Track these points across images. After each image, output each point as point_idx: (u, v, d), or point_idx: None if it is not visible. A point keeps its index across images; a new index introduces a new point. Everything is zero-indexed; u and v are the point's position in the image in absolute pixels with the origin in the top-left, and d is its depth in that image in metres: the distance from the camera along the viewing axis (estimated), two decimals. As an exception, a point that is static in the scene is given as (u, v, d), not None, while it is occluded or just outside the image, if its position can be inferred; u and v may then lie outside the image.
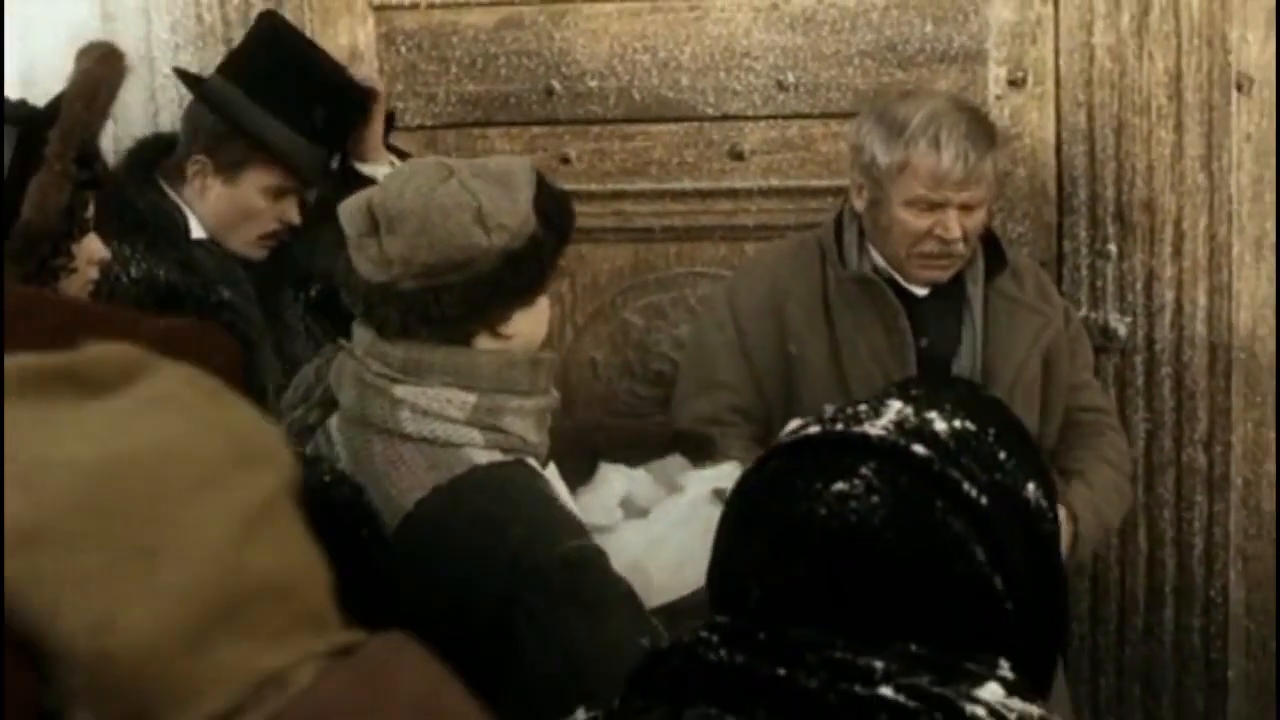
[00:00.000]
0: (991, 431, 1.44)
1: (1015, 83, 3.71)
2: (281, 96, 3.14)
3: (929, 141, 3.16)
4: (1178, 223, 3.70)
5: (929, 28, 3.70)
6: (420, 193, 2.31)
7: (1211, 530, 3.68)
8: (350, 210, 2.37)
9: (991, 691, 1.34)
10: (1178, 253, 3.70)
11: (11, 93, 3.22)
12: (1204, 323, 3.66)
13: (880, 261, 3.21)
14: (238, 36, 3.60)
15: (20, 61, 3.46)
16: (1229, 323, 3.66)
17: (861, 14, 3.70)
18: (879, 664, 1.32)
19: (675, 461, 2.86)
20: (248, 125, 3.06)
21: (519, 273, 2.36)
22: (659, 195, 3.68)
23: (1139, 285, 3.71)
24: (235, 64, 3.22)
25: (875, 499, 1.40)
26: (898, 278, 3.21)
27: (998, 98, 3.70)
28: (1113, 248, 3.72)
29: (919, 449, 1.40)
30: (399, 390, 2.29)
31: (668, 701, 1.35)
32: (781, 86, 3.76)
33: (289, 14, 3.65)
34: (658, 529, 2.62)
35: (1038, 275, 3.49)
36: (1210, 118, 3.68)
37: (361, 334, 2.37)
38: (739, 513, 1.49)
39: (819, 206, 3.49)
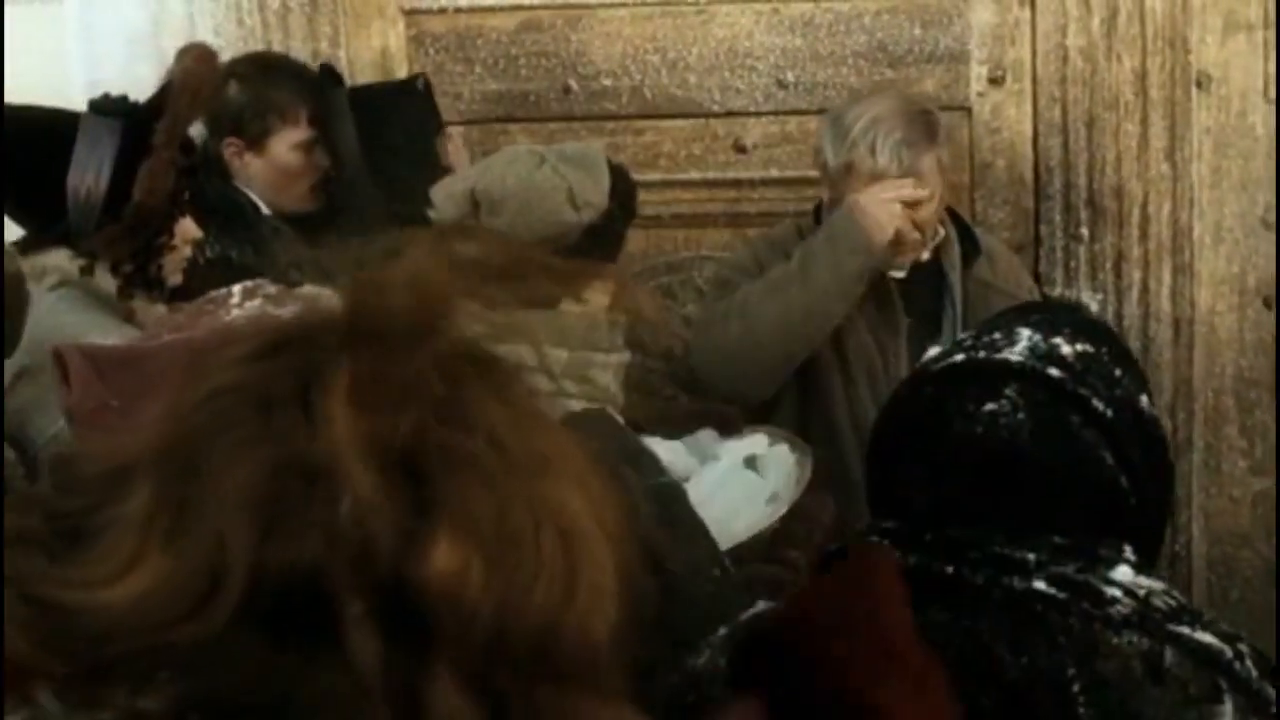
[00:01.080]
0: (1105, 352, 1.65)
1: (995, 81, 3.92)
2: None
3: (867, 146, 3.35)
4: (1144, 208, 3.90)
5: (917, 30, 3.91)
6: (520, 178, 2.62)
7: (1176, 490, 3.93)
8: (449, 195, 2.67)
9: (1123, 573, 1.55)
10: (1144, 236, 3.90)
11: (79, 93, 3.49)
12: (1168, 299, 3.87)
13: None
14: (276, 39, 3.83)
15: (86, 65, 3.68)
16: (1191, 299, 3.88)
17: (855, 18, 3.91)
18: (1031, 556, 1.52)
19: (706, 434, 3.02)
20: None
21: (599, 244, 2.68)
22: (668, 185, 3.87)
23: (1109, 265, 3.91)
24: None
25: (1020, 416, 1.62)
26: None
27: (979, 95, 3.91)
28: (1085, 231, 3.92)
29: (1053, 371, 1.61)
30: (502, 350, 2.58)
31: None
32: (781, 85, 3.96)
33: (323, 18, 3.87)
34: (702, 490, 2.84)
35: (1010, 259, 3.68)
36: (1173, 112, 3.89)
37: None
38: (899, 433, 1.70)
39: (816, 195, 3.67)
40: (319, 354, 0.93)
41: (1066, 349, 1.64)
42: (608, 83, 3.98)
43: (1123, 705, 1.47)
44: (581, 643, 0.90)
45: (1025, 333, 1.66)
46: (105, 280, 2.75)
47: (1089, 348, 1.65)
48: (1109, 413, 1.63)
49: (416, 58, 3.96)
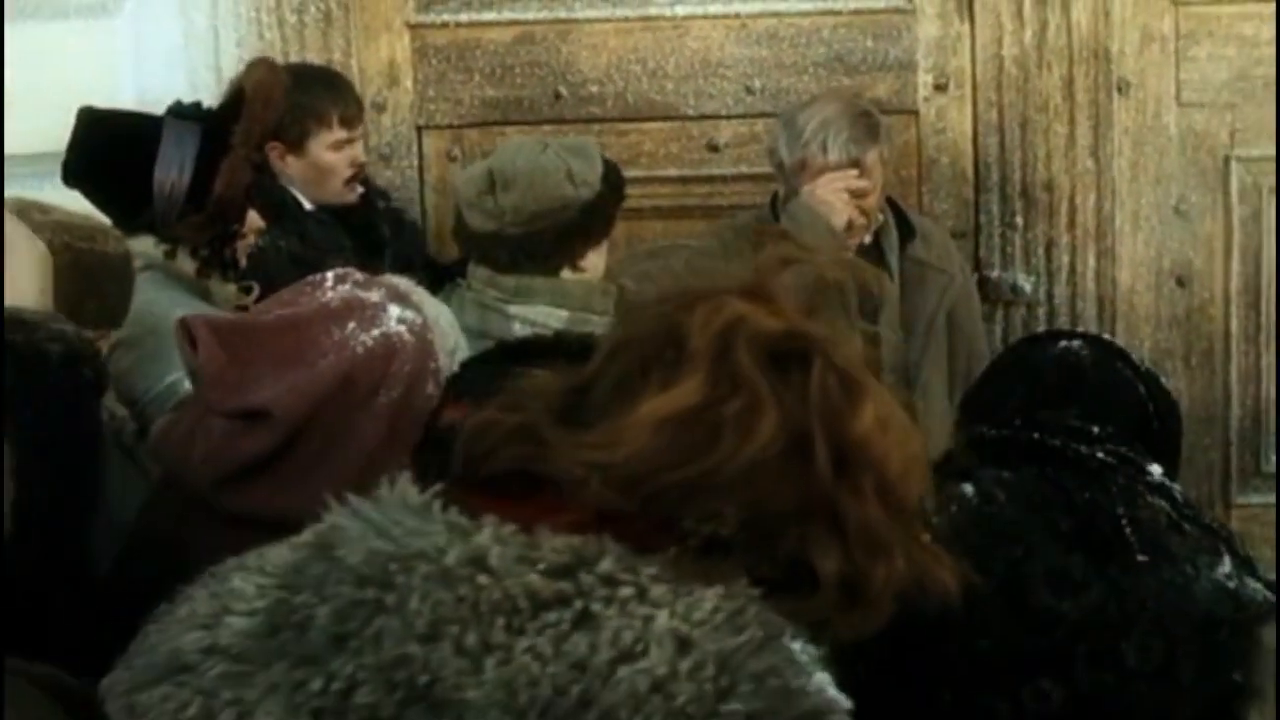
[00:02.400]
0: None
1: (940, 87, 4.28)
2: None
3: (819, 144, 3.66)
4: (1071, 199, 4.27)
5: (869, 42, 4.26)
6: (528, 160, 3.14)
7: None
8: (469, 176, 3.16)
9: (1155, 469, 2.12)
10: (1071, 224, 4.27)
11: (128, 98, 3.81)
12: (1093, 280, 4.23)
13: None
14: (293, 51, 4.12)
15: (135, 75, 3.97)
16: (1113, 280, 4.24)
17: (814, 31, 4.25)
18: (1095, 430, 2.08)
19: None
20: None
21: (594, 219, 3.17)
22: (648, 181, 4.13)
23: (1040, 250, 4.26)
24: None
25: (1085, 353, 2.27)
26: None
27: (925, 99, 4.26)
28: (1019, 220, 4.29)
29: (1105, 337, 2.28)
30: (512, 309, 3.08)
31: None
32: (749, 91, 4.29)
33: (336, 32, 4.17)
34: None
35: (943, 239, 4.03)
36: (1096, 115, 4.25)
37: (479, 271, 3.13)
38: (1003, 364, 2.36)
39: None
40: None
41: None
42: (594, 89, 4.28)
43: (1154, 540, 1.98)
44: (914, 488, 1.40)
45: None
46: (185, 263, 3.10)
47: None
48: (1142, 367, 2.25)
49: (421, 67, 4.26)
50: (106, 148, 3.17)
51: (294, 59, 4.13)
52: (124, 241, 2.84)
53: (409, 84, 4.30)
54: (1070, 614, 1.92)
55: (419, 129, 4.34)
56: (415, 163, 4.36)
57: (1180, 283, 4.34)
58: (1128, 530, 1.94)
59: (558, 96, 4.30)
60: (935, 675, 1.92)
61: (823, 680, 1.37)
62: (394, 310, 2.23)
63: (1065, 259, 4.28)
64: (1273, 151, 4.28)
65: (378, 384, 2.18)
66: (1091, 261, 4.27)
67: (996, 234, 4.32)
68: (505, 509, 1.34)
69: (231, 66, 4.15)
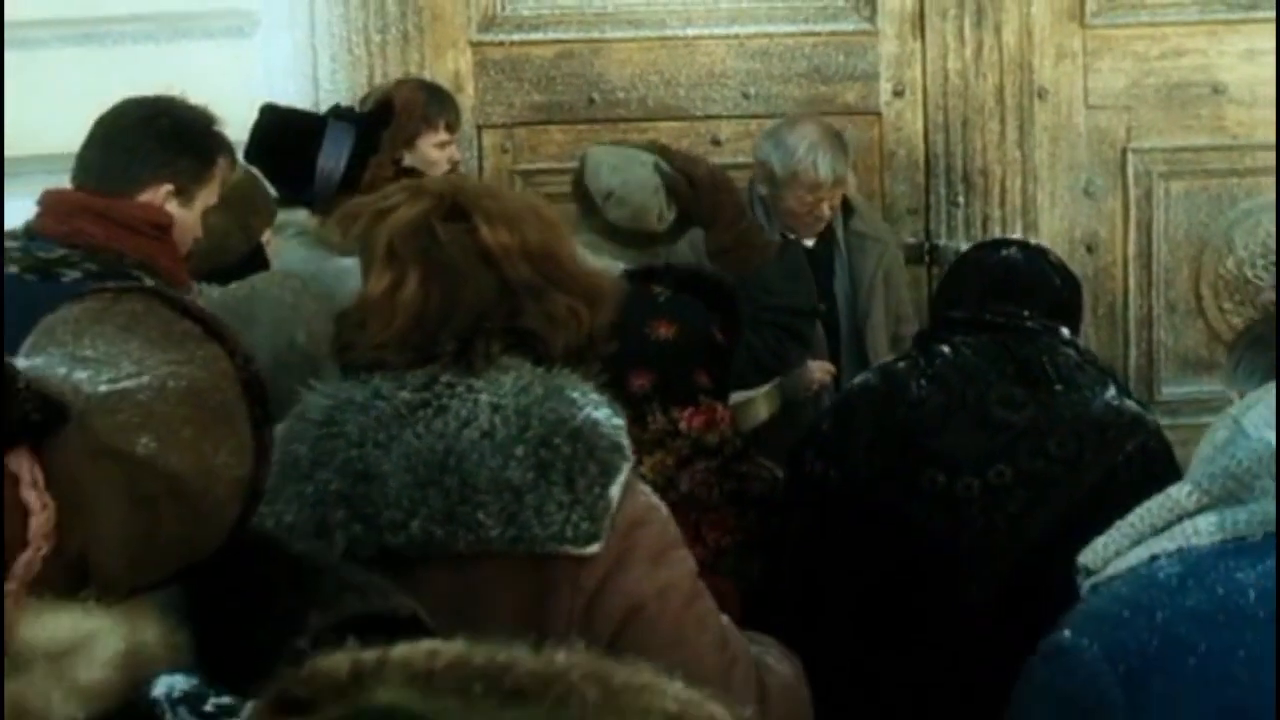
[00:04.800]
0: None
1: (898, 94, 4.89)
2: None
3: (810, 163, 4.14)
4: (1002, 183, 4.85)
5: (841, 58, 4.86)
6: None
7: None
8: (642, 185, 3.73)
9: (1065, 331, 2.93)
10: (1002, 202, 4.83)
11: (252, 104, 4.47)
12: None
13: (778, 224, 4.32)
14: (378, 65, 4.74)
15: (266, 85, 4.54)
16: None
17: (798, 48, 4.84)
18: (1026, 313, 2.88)
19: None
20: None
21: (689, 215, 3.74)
22: None
23: (978, 223, 4.83)
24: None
25: (1019, 256, 3.06)
26: (789, 234, 4.23)
27: (886, 103, 4.86)
28: (961, 199, 4.87)
29: (1034, 241, 3.13)
30: None
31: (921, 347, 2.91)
32: (746, 97, 4.87)
33: (412, 49, 4.75)
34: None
35: (875, 213, 4.59)
36: (1021, 115, 4.85)
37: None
38: (967, 265, 3.09)
39: (770, 176, 4.50)
40: None
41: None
42: (620, 95, 4.85)
43: (1066, 376, 2.84)
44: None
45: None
46: (331, 233, 3.54)
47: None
48: (1056, 262, 3.08)
49: (480, 77, 4.84)
50: (280, 137, 3.83)
51: (378, 72, 4.74)
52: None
53: (470, 91, 4.84)
54: (1017, 424, 2.80)
55: (479, 128, 4.85)
56: (475, 154, 4.87)
57: (1089, 249, 4.89)
58: (1049, 370, 2.83)
59: (591, 101, 4.85)
60: (927, 463, 2.84)
61: (592, 411, 2.02)
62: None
63: (997, 230, 4.78)
64: (1161, 143, 4.92)
65: None
66: (1018, 232, 4.70)
67: (943, 210, 4.89)
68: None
69: (326, 76, 4.80)
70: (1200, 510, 1.69)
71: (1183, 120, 4.96)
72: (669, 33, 4.87)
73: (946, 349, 2.94)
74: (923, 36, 4.85)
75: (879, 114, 4.93)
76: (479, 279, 2.12)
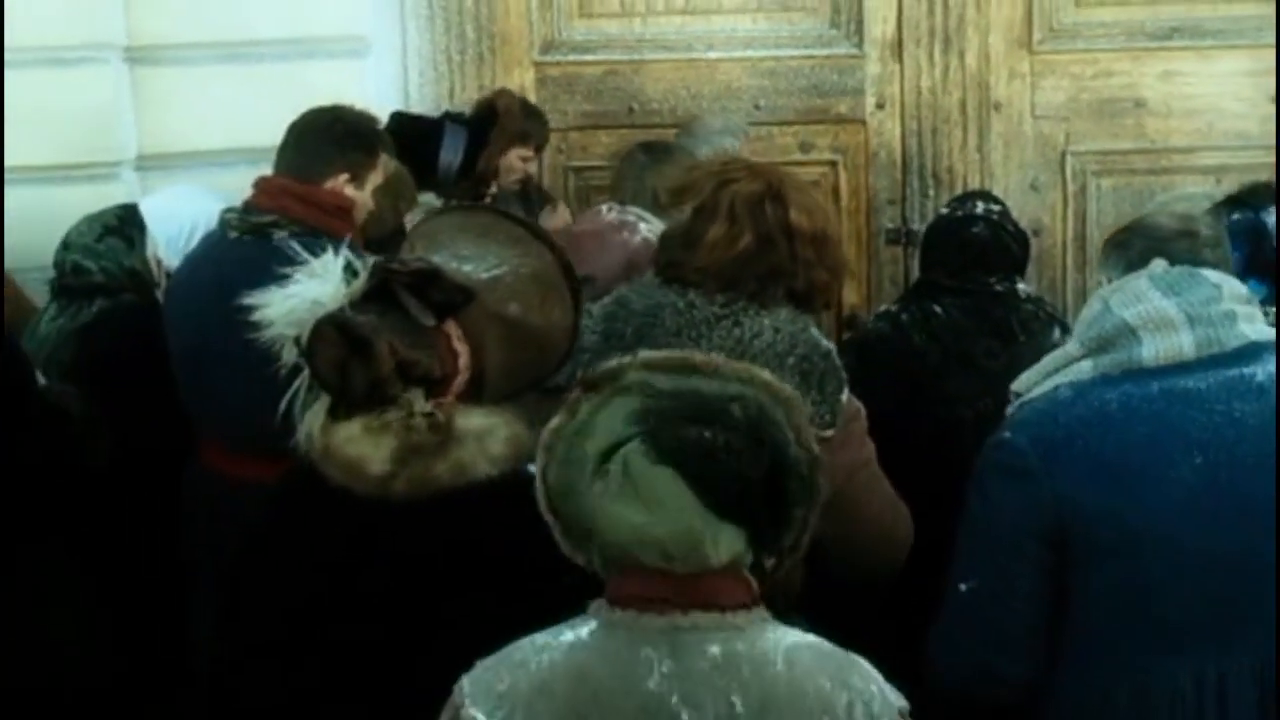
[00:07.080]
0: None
1: (880, 106, 5.60)
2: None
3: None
4: (964, 180, 5.51)
5: (835, 76, 5.58)
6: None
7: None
8: None
9: (1023, 287, 3.86)
10: None
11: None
12: None
13: None
14: (456, 81, 5.54)
15: (377, 98, 5.16)
16: None
17: (800, 69, 5.57)
18: (993, 279, 3.80)
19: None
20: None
21: None
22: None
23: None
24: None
25: (987, 233, 3.89)
26: None
27: (871, 114, 5.57)
28: (931, 192, 5.54)
29: (994, 207, 3.95)
30: None
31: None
32: (757, 108, 5.60)
33: (485, 67, 5.57)
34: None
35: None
36: (980, 124, 5.56)
37: None
38: (939, 237, 3.94)
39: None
40: None
41: (994, 206, 4.02)
42: (655, 106, 5.59)
43: (1027, 327, 3.70)
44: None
45: (980, 200, 4.02)
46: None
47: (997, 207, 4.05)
48: (1014, 230, 3.92)
49: (541, 90, 5.58)
50: (408, 137, 4.67)
51: (457, 86, 5.56)
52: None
53: (533, 101, 5.47)
54: (994, 368, 3.65)
55: (539, 132, 5.65)
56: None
57: (1035, 234, 5.17)
58: (1015, 326, 3.78)
59: (631, 110, 5.60)
60: (932, 401, 3.73)
61: (828, 343, 2.78)
62: (642, 226, 3.52)
63: (961, 217, 5.51)
64: (1094, 147, 5.63)
65: (643, 265, 3.23)
66: (977, 219, 5.49)
67: (917, 201, 5.59)
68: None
69: (415, 89, 5.60)
70: (1083, 357, 2.75)
71: (1111, 129, 5.67)
72: (695, 55, 5.62)
73: (939, 309, 3.88)
74: (900, 60, 5.60)
75: (864, 122, 5.67)
76: (781, 247, 2.87)
